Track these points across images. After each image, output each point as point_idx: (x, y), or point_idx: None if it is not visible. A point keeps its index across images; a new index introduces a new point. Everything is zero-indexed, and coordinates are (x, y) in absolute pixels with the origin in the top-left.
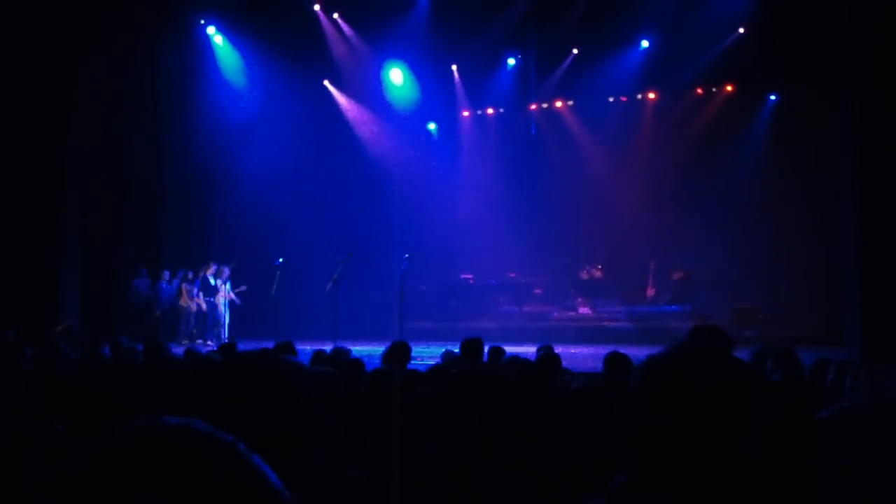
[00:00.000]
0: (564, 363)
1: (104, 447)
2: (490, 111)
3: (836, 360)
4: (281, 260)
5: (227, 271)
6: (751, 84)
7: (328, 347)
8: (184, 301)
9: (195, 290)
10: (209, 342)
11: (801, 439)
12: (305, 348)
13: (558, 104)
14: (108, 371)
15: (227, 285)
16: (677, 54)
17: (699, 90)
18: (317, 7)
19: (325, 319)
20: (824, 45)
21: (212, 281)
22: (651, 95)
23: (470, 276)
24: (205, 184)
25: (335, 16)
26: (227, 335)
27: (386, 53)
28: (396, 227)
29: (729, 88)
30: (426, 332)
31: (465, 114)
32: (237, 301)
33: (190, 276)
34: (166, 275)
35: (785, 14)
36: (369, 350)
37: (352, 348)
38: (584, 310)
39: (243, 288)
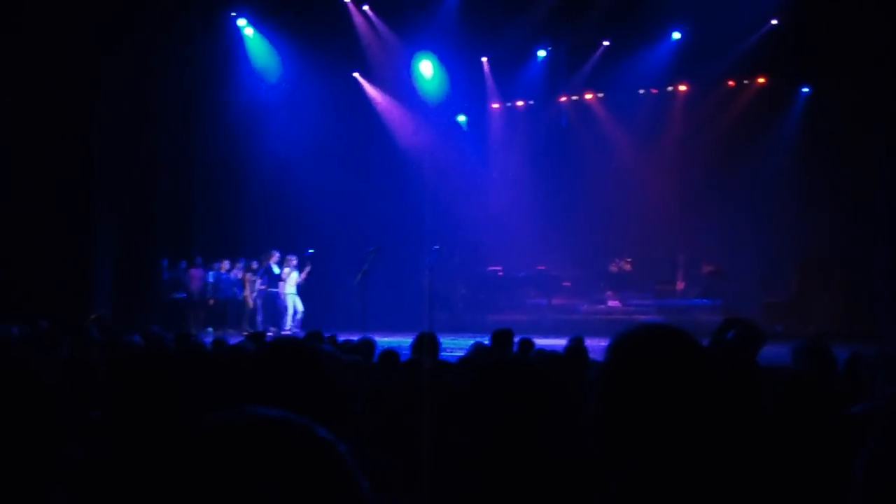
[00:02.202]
0: (593, 356)
1: (193, 438)
2: (520, 103)
3: (870, 355)
4: (311, 251)
5: (294, 260)
6: (783, 76)
7: (356, 338)
8: (247, 290)
9: (259, 280)
10: (269, 331)
11: (832, 434)
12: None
13: (588, 96)
14: (140, 359)
15: (296, 273)
16: (709, 46)
17: (731, 82)
18: None
19: (353, 310)
20: (858, 37)
21: (275, 269)
22: (682, 88)
23: (499, 269)
24: (234, 174)
25: (365, 7)
26: (290, 324)
27: (416, 45)
28: (425, 218)
29: (761, 81)
30: (454, 323)
31: (495, 106)
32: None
33: (254, 265)
34: (226, 264)
35: (819, 5)
36: (398, 341)
37: (380, 339)
38: (613, 303)
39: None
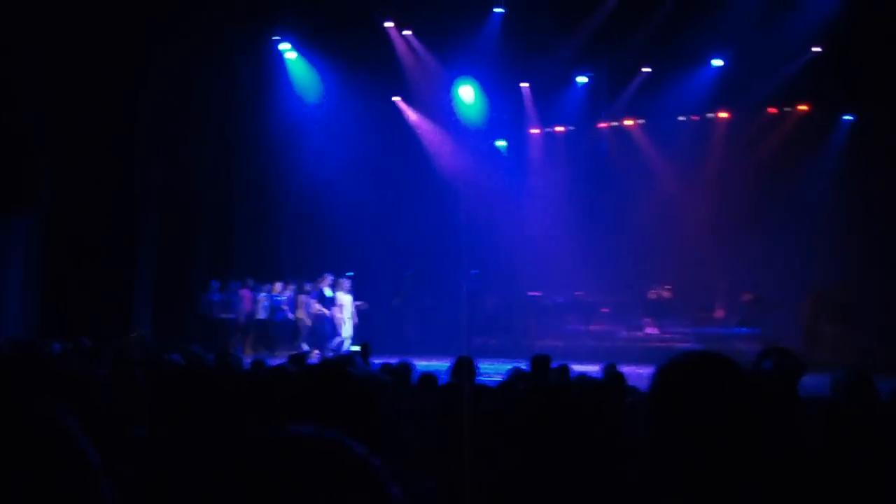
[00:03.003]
0: (631, 383)
1: (233, 457)
2: (560, 129)
3: None
4: (350, 273)
5: (347, 283)
6: (826, 104)
7: (394, 361)
8: (300, 312)
9: (312, 302)
10: (326, 353)
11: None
12: (373, 362)
13: (628, 123)
14: (179, 378)
15: (349, 297)
16: (750, 73)
17: (772, 110)
18: (389, 24)
19: (391, 333)
20: None
21: (328, 292)
22: (722, 115)
23: (538, 294)
24: (274, 196)
25: (407, 32)
26: (347, 346)
27: (457, 70)
28: (464, 243)
29: (803, 108)
30: (492, 348)
31: (535, 131)
32: (354, 317)
33: (307, 287)
34: (278, 286)
35: (862, 33)
36: (436, 365)
37: (417, 363)
38: (651, 330)
39: (361, 304)
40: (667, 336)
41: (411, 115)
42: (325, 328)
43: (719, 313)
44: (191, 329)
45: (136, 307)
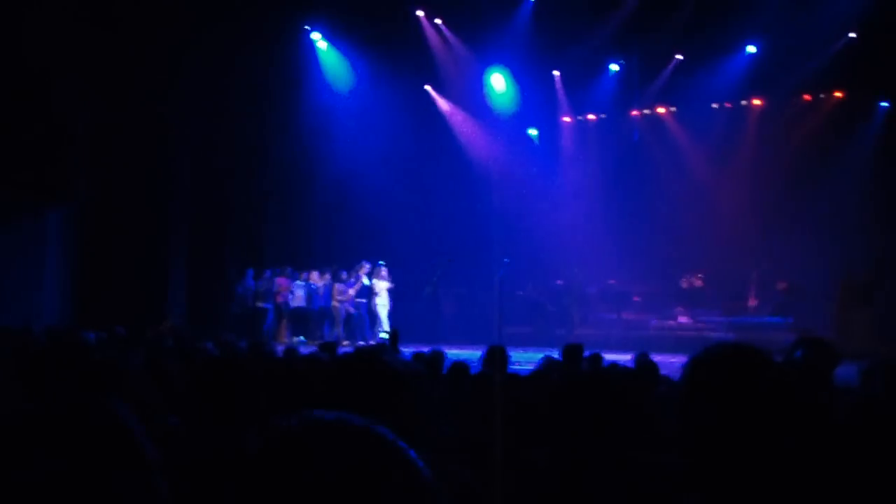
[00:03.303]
0: (663, 372)
1: (262, 443)
2: (591, 117)
3: None
4: (382, 263)
5: (384, 271)
6: (861, 91)
7: (426, 349)
8: (336, 301)
9: (349, 290)
10: (366, 343)
11: None
12: (403, 350)
13: (661, 110)
14: (212, 367)
15: (385, 283)
16: (784, 59)
17: (806, 97)
18: (420, 13)
19: (422, 322)
20: None
21: (365, 281)
22: (756, 102)
23: (561, 282)
24: (304, 184)
25: (438, 21)
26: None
27: (488, 59)
28: (495, 231)
29: (838, 95)
30: (524, 337)
31: (567, 119)
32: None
33: (343, 275)
34: (315, 275)
35: None
36: (467, 354)
37: (449, 352)
38: (683, 319)
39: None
40: (699, 325)
41: (442, 103)
42: (363, 318)
43: (752, 302)
44: (224, 318)
45: (169, 296)
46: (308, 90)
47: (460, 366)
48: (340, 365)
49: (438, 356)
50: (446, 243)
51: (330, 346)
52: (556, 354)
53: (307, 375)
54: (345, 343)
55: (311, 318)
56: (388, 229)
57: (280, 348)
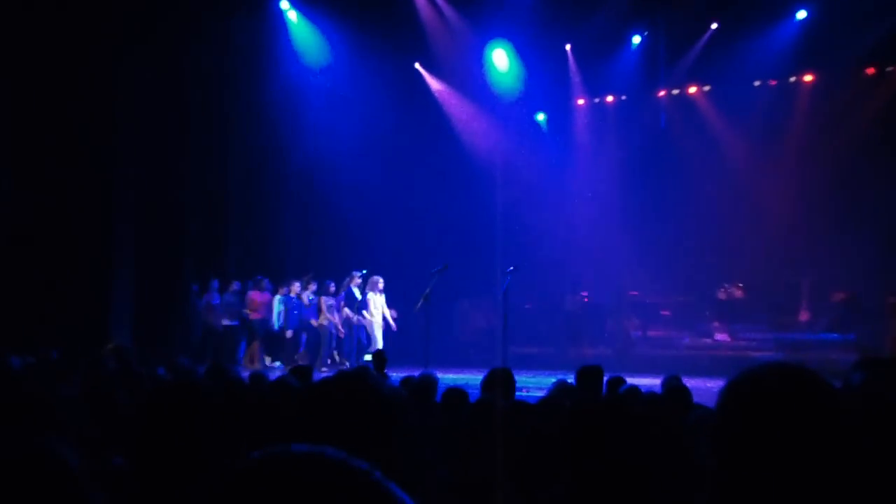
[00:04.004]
0: (697, 399)
1: (235, 477)
2: (610, 99)
3: None
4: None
5: (380, 282)
6: None
7: (416, 373)
8: (324, 318)
9: (338, 306)
10: (344, 366)
11: None
12: (392, 374)
13: (692, 90)
14: (164, 396)
15: (382, 297)
16: (842, 26)
17: (869, 70)
18: None
19: (413, 342)
20: None
21: (357, 293)
22: (808, 78)
23: (584, 294)
24: (274, 181)
25: None
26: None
27: (488, 32)
28: (497, 234)
29: None
30: (532, 358)
31: (581, 102)
32: (392, 325)
33: (331, 288)
34: (296, 286)
35: None
36: (465, 378)
37: (443, 376)
38: (721, 336)
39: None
40: (740, 343)
41: (435, 84)
42: (359, 337)
43: (804, 316)
44: (180, 338)
45: (112, 313)
46: (276, 70)
47: (456, 392)
48: (315, 392)
49: (430, 381)
50: (440, 249)
51: (303, 371)
52: (570, 378)
53: (276, 405)
54: (324, 369)
55: (293, 339)
56: (372, 233)
57: (245, 374)
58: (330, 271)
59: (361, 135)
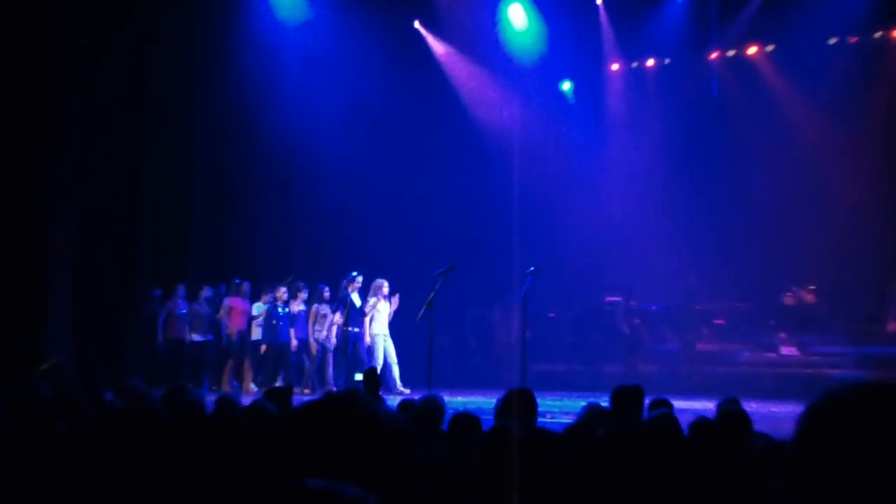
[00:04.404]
0: (760, 426)
1: None
2: (650, 63)
3: None
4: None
5: (385, 285)
6: None
7: (418, 396)
8: (321, 331)
9: (333, 315)
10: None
11: None
12: (388, 397)
13: (751, 51)
14: (112, 425)
15: (386, 305)
16: None
17: None
18: None
19: (415, 358)
20: None
21: (356, 300)
22: None
23: (619, 299)
24: (248, 168)
25: None
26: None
27: None
28: (515, 227)
29: None
30: (557, 377)
31: (615, 67)
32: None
33: (326, 293)
34: (283, 292)
35: None
36: (477, 402)
37: (451, 399)
38: (788, 350)
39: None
40: (812, 359)
41: (439, 47)
42: (359, 353)
43: (892, 325)
44: (134, 356)
45: (49, 327)
46: (245, 28)
47: (466, 418)
48: (296, 419)
49: (435, 405)
50: (445, 246)
51: (281, 394)
52: (603, 401)
53: (250, 435)
54: (306, 391)
55: (280, 357)
56: (363, 227)
57: (212, 398)
58: (314, 274)
59: (350, 109)
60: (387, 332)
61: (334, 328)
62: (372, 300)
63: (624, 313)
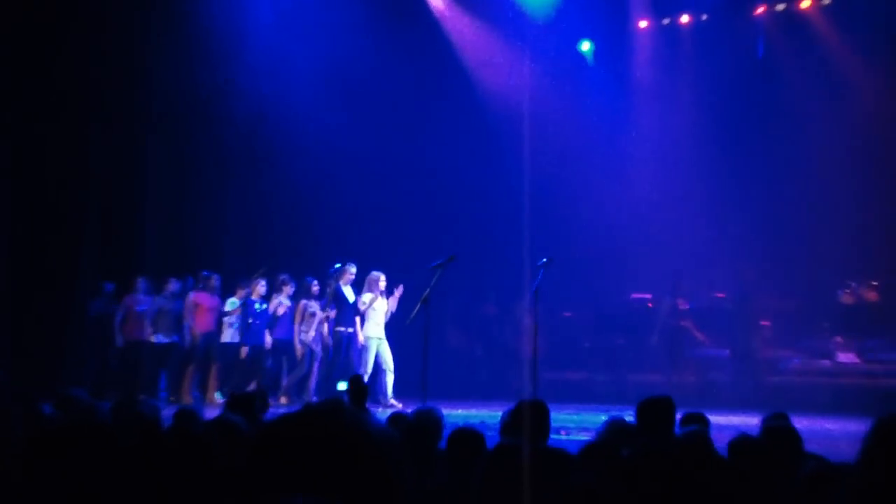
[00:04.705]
0: (811, 446)
1: None
2: (685, 20)
3: None
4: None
5: (382, 278)
6: None
7: (412, 408)
8: (309, 332)
9: (322, 313)
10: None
11: None
12: (378, 409)
13: (804, 4)
14: (51, 441)
15: (384, 301)
16: None
17: None
18: None
19: (408, 364)
20: None
21: (349, 295)
22: None
23: (648, 297)
24: (210, 143)
25: None
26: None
27: None
28: (525, 213)
29: None
30: (575, 387)
31: (643, 25)
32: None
33: (314, 286)
34: (261, 286)
35: None
36: (480, 415)
37: (451, 412)
38: (846, 356)
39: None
40: (874, 367)
41: (437, 2)
42: (351, 356)
43: None
44: (79, 362)
45: None
46: None
47: (468, 435)
48: (269, 436)
49: (431, 419)
50: (444, 235)
51: (246, 401)
52: (628, 416)
53: (214, 454)
54: (283, 400)
55: (259, 361)
56: (348, 212)
57: (169, 411)
58: (295, 265)
59: (332, 74)
60: (382, 334)
61: (325, 327)
62: (366, 296)
63: (669, 313)
